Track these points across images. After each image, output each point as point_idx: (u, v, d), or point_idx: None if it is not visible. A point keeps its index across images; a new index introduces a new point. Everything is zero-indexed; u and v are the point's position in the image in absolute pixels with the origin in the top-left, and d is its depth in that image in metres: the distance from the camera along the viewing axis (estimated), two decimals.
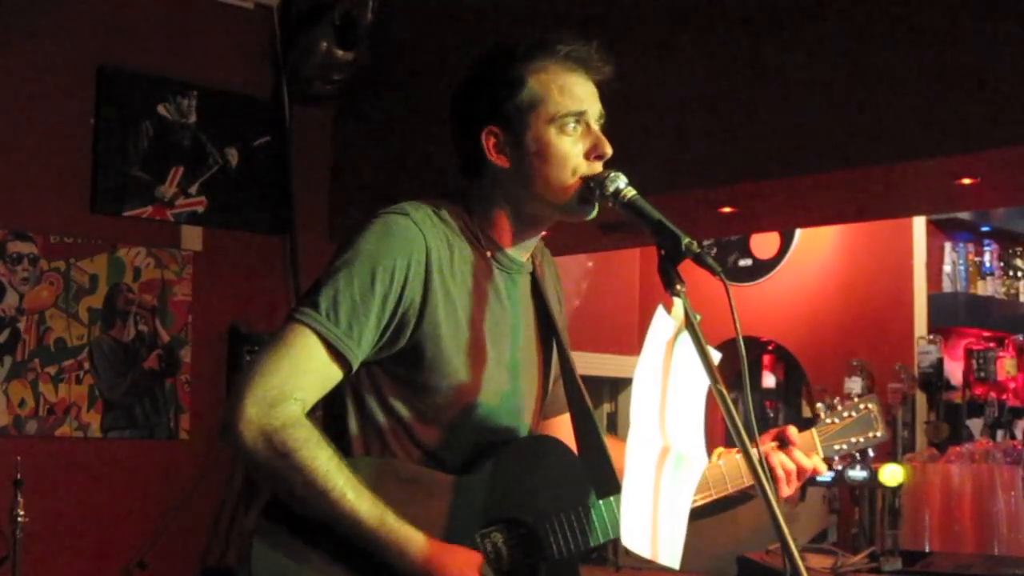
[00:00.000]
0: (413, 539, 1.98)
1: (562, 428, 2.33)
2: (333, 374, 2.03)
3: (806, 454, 2.30)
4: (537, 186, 2.11)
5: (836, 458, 2.41)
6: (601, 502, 2.16)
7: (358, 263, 2.03)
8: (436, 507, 2.04)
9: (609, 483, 2.16)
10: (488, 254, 2.16)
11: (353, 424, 2.10)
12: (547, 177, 2.10)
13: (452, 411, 2.11)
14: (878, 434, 2.44)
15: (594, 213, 2.13)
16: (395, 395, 2.09)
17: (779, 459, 2.26)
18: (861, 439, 2.43)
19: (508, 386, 2.19)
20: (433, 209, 2.12)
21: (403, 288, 2.04)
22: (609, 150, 2.12)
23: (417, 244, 2.06)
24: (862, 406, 2.44)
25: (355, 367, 2.04)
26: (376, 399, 2.09)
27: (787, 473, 2.27)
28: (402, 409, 2.09)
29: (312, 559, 1.99)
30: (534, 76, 2.12)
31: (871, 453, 2.48)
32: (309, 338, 2.00)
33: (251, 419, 1.95)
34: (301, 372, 1.99)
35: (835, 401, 2.46)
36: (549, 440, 2.23)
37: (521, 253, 2.21)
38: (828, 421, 2.41)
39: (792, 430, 2.32)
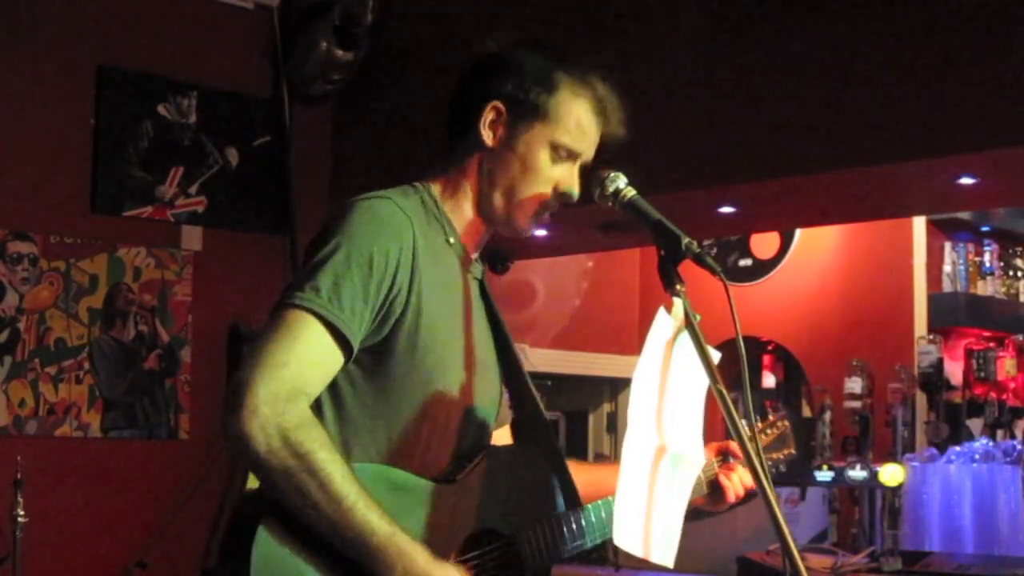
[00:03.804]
0: (421, 561, 1.92)
1: (505, 439, 2.31)
2: (337, 362, 1.97)
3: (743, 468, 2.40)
4: (501, 183, 2.12)
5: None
6: (571, 513, 2.17)
7: (354, 246, 1.98)
8: (424, 516, 2.01)
9: (569, 492, 2.18)
10: (451, 244, 2.14)
11: (331, 424, 2.03)
12: (514, 180, 2.12)
13: (428, 407, 2.07)
14: (792, 451, 2.56)
15: (525, 236, 2.17)
16: (375, 393, 2.03)
17: (723, 477, 2.37)
18: (780, 456, 2.55)
19: (481, 385, 2.17)
20: (404, 196, 2.12)
21: (395, 274, 2.00)
22: (576, 195, 2.15)
23: (406, 231, 2.04)
24: (779, 424, 2.56)
25: (355, 353, 1.99)
26: (355, 397, 2.04)
27: (733, 490, 2.37)
28: (383, 409, 2.04)
29: (317, 554, 1.92)
30: (566, 93, 2.13)
31: (783, 469, 2.60)
32: (314, 325, 1.93)
33: (266, 417, 1.85)
34: (310, 364, 1.92)
35: (756, 419, 2.56)
36: (526, 450, 2.21)
37: (475, 247, 2.20)
38: None
39: (735, 445, 2.37)
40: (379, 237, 2.00)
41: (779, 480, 2.52)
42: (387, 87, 5.26)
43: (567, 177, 2.14)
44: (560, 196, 2.14)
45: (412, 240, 2.03)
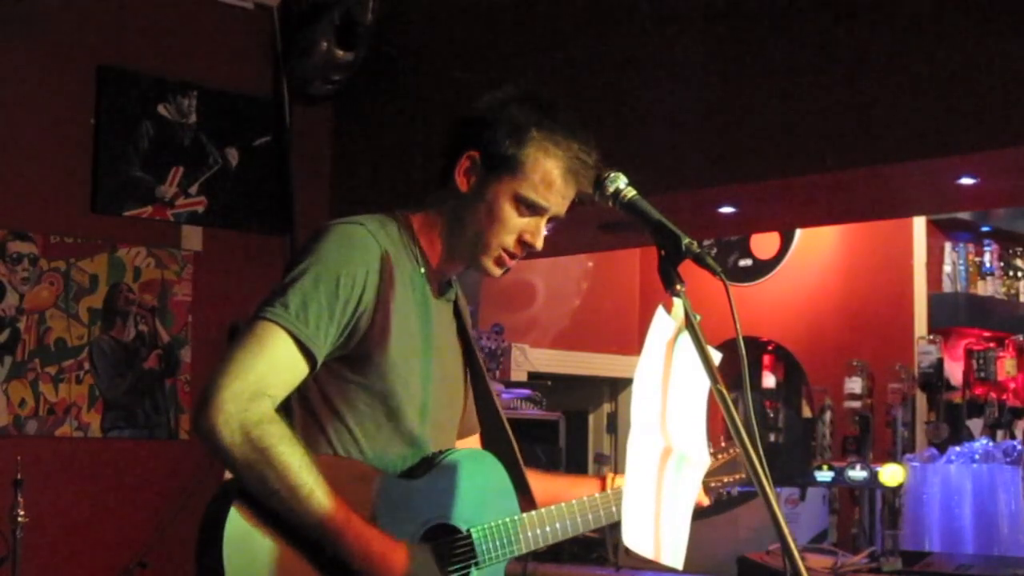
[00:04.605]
0: (374, 540, 2.07)
1: (470, 446, 2.45)
2: (301, 372, 2.11)
3: None
4: (467, 228, 2.24)
5: (713, 495, 2.65)
6: (525, 516, 2.31)
7: (324, 268, 2.12)
8: (384, 506, 2.14)
9: (524, 495, 2.34)
10: (422, 272, 2.26)
11: (297, 420, 2.17)
12: (479, 229, 2.23)
13: (391, 415, 2.20)
14: (742, 476, 2.66)
15: (492, 276, 2.28)
16: (339, 396, 2.18)
17: None
18: (730, 479, 2.66)
19: (444, 397, 2.31)
20: (379, 224, 2.23)
21: (361, 295, 2.14)
22: (539, 246, 2.25)
23: (374, 255, 2.17)
24: (731, 450, 2.66)
25: (319, 365, 2.13)
26: (322, 401, 2.18)
27: None
28: (347, 412, 2.18)
29: (285, 535, 2.05)
30: (536, 149, 2.21)
31: (734, 493, 2.68)
32: (281, 336, 2.09)
33: (230, 414, 2.01)
34: (274, 369, 2.08)
35: (709, 444, 2.63)
36: (486, 455, 2.35)
37: (447, 275, 2.33)
38: None
39: None
40: (348, 261, 2.14)
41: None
42: (387, 87, 5.26)
43: (532, 228, 2.23)
44: (523, 246, 2.24)
45: (380, 264, 2.17)
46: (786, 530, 1.75)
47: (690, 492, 2.08)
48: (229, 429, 2.01)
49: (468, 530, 2.23)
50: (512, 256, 2.25)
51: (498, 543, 2.26)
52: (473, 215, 2.23)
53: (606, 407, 6.69)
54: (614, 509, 2.42)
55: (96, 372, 4.78)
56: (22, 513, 3.91)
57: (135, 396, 4.87)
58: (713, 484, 2.60)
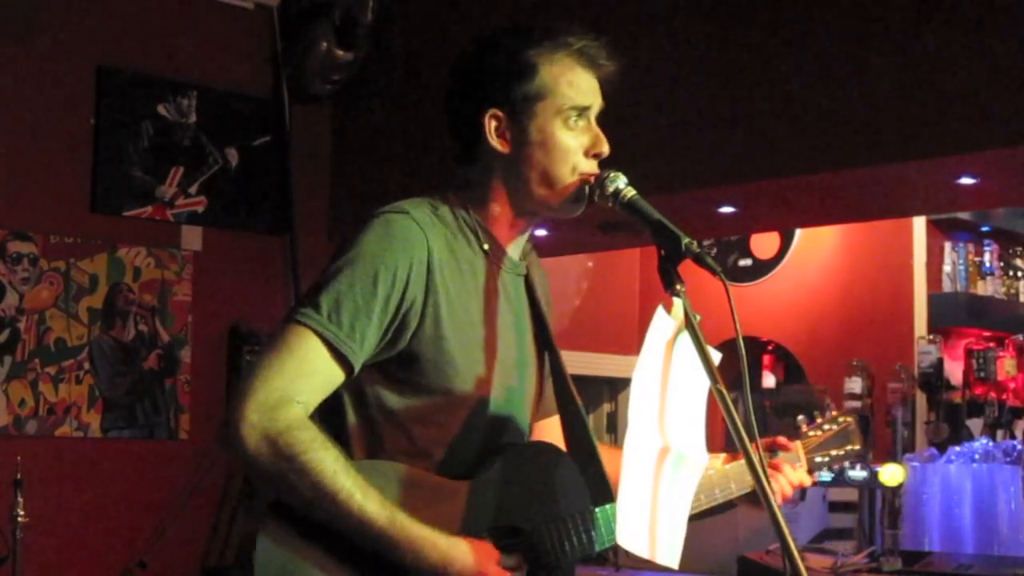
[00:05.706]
0: (427, 537, 1.95)
1: (550, 430, 2.32)
2: (335, 376, 1.99)
3: (791, 466, 2.40)
4: (535, 176, 2.12)
5: (818, 472, 2.50)
6: (597, 511, 2.15)
7: (360, 264, 2.00)
8: (439, 513, 2.01)
9: (601, 489, 2.17)
10: (486, 250, 2.14)
11: (351, 423, 2.06)
12: (546, 168, 2.11)
13: (452, 412, 2.09)
14: (856, 447, 2.53)
15: (581, 210, 2.15)
16: (394, 396, 2.06)
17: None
18: (841, 452, 2.51)
19: (513, 385, 2.18)
20: (431, 208, 2.11)
21: (405, 289, 2.01)
22: (607, 149, 2.14)
23: (419, 244, 2.04)
24: (841, 419, 2.52)
25: (357, 369, 2.01)
26: (375, 399, 2.06)
27: (779, 490, 2.37)
28: (401, 410, 2.06)
29: (318, 557, 1.95)
30: (545, 66, 2.13)
31: (848, 466, 2.54)
32: (311, 340, 1.96)
33: (253, 424, 1.90)
34: (303, 375, 1.95)
35: (815, 414, 2.53)
36: (549, 448, 2.21)
37: (515, 250, 2.21)
38: (811, 434, 2.49)
39: (783, 440, 2.40)
40: (387, 254, 2.01)
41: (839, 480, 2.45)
42: (387, 87, 5.26)
43: (590, 136, 2.14)
44: (594, 157, 2.14)
45: (427, 253, 2.04)
46: (786, 530, 1.75)
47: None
48: (254, 440, 1.90)
49: (531, 531, 2.08)
50: (589, 176, 2.12)
51: (566, 543, 2.11)
52: (530, 161, 2.11)
53: (606, 407, 6.69)
54: (717, 492, 2.28)
55: (96, 372, 4.78)
56: (22, 513, 3.91)
57: (135, 396, 4.87)
58: (819, 459, 2.46)
